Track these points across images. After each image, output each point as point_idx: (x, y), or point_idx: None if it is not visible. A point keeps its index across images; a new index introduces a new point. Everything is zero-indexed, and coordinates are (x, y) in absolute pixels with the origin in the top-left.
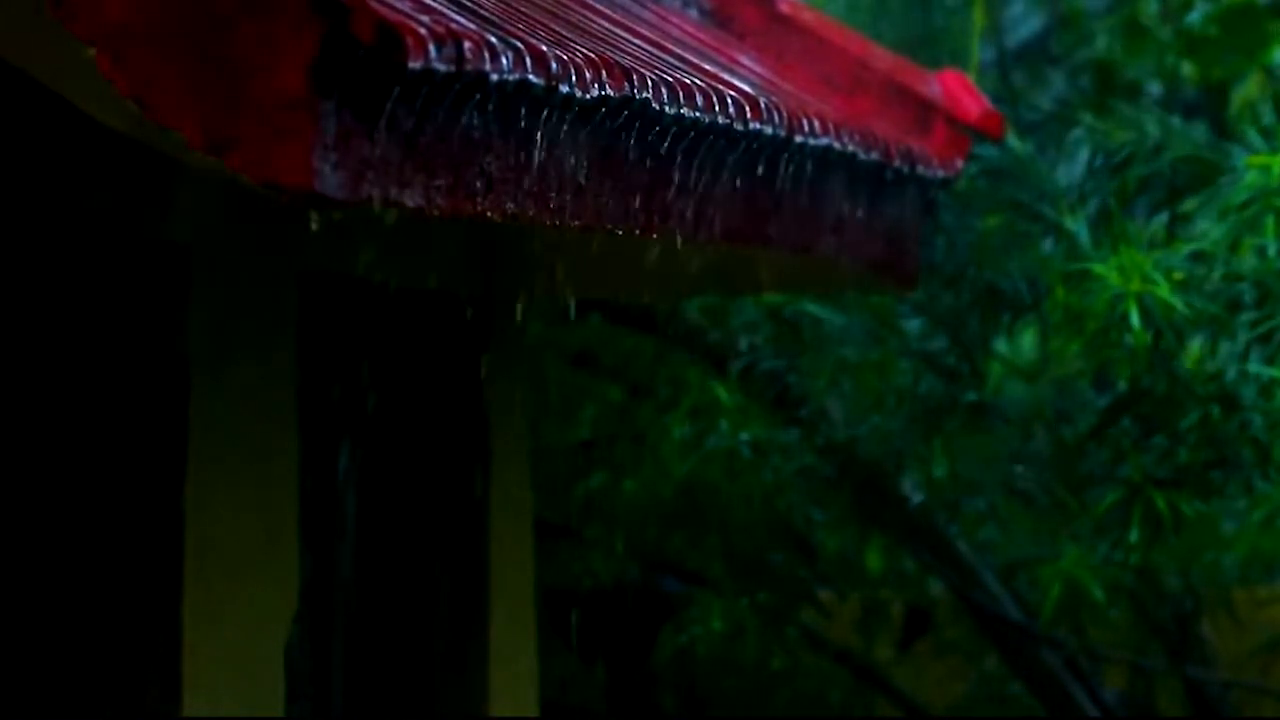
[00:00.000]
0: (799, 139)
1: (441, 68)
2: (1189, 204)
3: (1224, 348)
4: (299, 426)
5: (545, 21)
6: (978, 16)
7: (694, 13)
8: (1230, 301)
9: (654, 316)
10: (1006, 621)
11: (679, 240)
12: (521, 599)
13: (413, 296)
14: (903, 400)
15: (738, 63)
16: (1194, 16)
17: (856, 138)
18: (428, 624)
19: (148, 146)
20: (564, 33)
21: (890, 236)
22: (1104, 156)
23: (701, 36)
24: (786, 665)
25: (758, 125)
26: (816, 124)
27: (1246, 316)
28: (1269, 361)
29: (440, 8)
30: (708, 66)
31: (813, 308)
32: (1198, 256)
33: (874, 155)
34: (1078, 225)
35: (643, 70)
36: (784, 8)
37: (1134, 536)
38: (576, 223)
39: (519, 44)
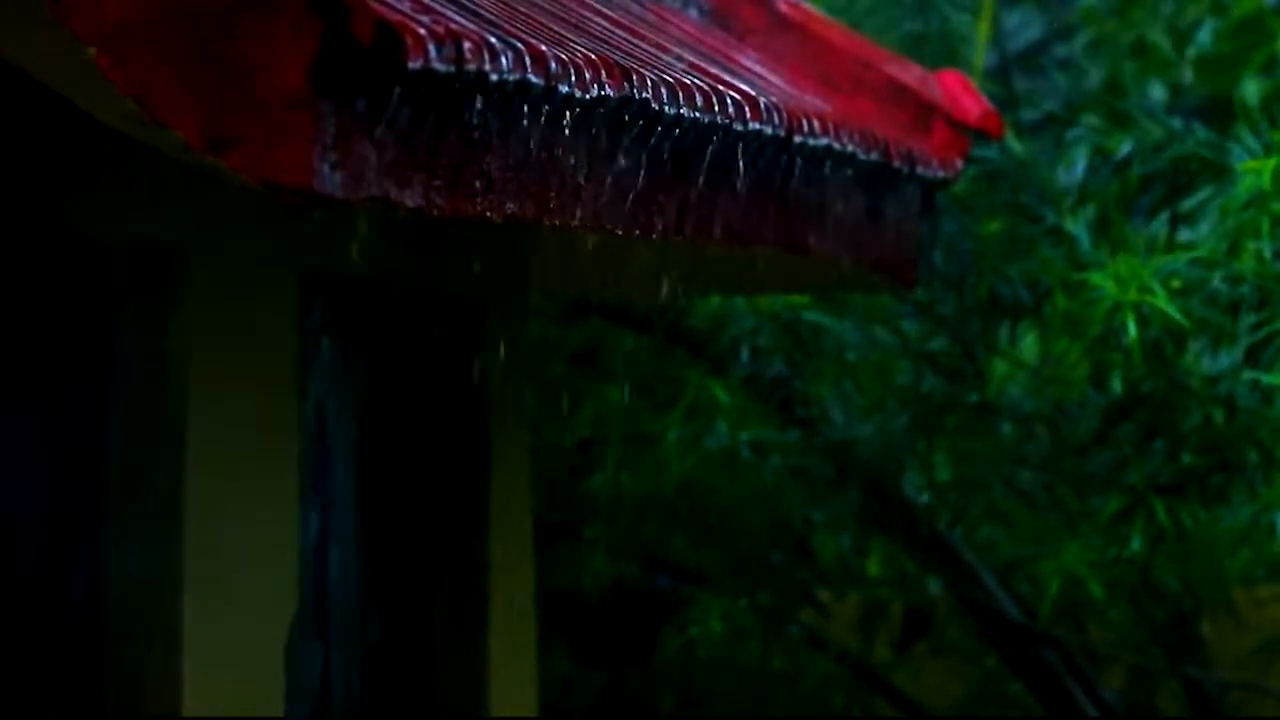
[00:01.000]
0: (799, 139)
1: (441, 67)
2: (1189, 204)
3: (1225, 352)
4: (299, 426)
5: (545, 21)
6: (983, 22)
7: (694, 13)
8: (1230, 305)
9: (654, 316)
10: (1006, 621)
11: (678, 240)
12: (521, 599)
13: (413, 296)
14: (904, 400)
15: (738, 63)
16: (1203, 33)
17: (856, 138)
18: (428, 624)
19: (147, 146)
20: (564, 32)
21: (890, 237)
22: (1104, 157)
23: (701, 36)
24: (786, 666)
25: (758, 125)
26: (816, 124)
27: (1246, 320)
28: (1269, 366)
29: (440, 7)
30: (707, 66)
31: (812, 308)
32: (1196, 261)
33: (874, 155)
34: (1078, 227)
35: (642, 70)
36: (784, 8)
37: (1136, 545)
38: (576, 223)
39: (519, 44)
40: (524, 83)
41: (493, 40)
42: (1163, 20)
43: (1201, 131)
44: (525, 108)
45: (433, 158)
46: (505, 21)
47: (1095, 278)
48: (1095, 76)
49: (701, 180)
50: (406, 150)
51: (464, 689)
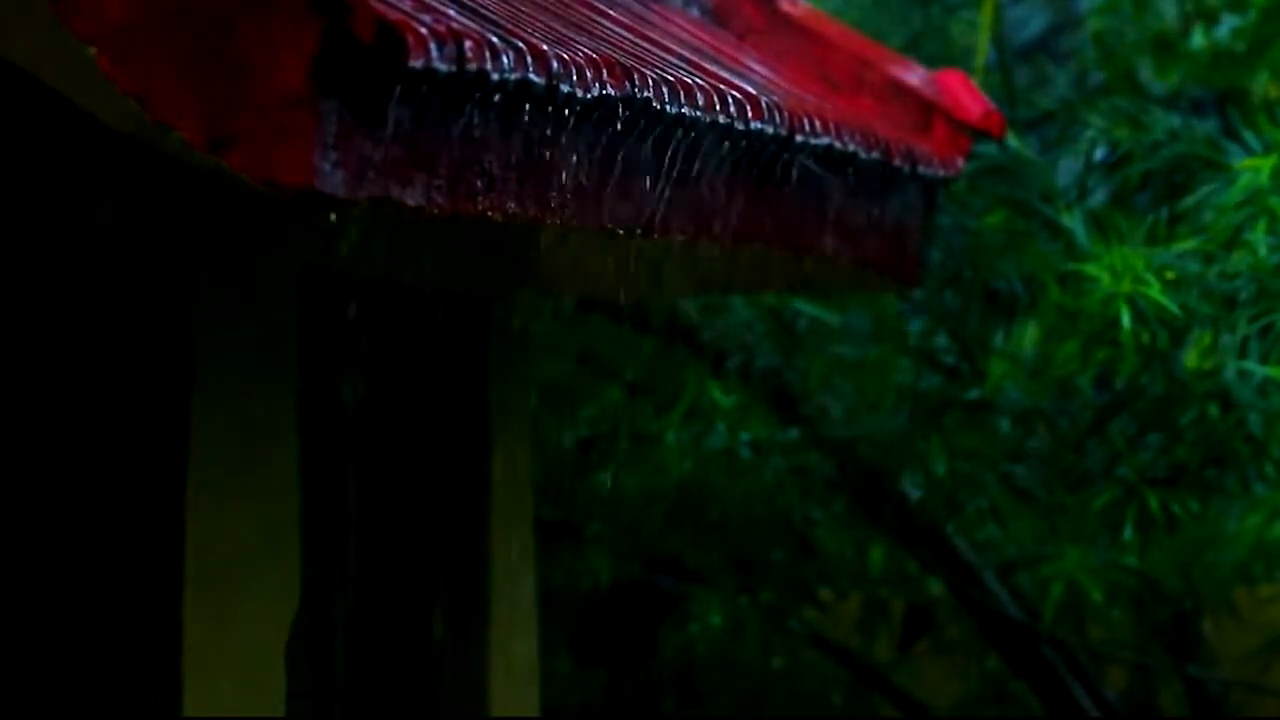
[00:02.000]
0: (800, 138)
1: (442, 67)
2: (1189, 201)
3: (1221, 345)
4: (299, 426)
5: (546, 21)
6: (986, 15)
7: (695, 12)
8: (1226, 299)
9: (654, 316)
10: (1007, 620)
11: (679, 239)
12: (521, 599)
13: (413, 295)
14: (903, 398)
15: (739, 62)
16: (1222, 30)
17: (857, 137)
18: (428, 624)
19: (149, 145)
20: (565, 32)
21: (891, 235)
22: (1105, 152)
23: (702, 36)
24: (787, 664)
25: (759, 125)
26: (817, 123)
27: (1243, 313)
28: (1265, 359)
29: (441, 7)
30: (709, 66)
31: (812, 307)
32: (1192, 254)
33: (875, 154)
34: (1075, 223)
35: (643, 69)
36: (785, 7)
37: (1128, 535)
38: (576, 222)
39: (520, 43)
40: (525, 82)
41: (494, 40)
42: (1175, 15)
43: (1202, 128)
44: (526, 107)
45: (434, 157)
46: (506, 21)
47: (1090, 269)
48: (1098, 71)
49: (702, 180)
50: (408, 149)
51: (465, 688)
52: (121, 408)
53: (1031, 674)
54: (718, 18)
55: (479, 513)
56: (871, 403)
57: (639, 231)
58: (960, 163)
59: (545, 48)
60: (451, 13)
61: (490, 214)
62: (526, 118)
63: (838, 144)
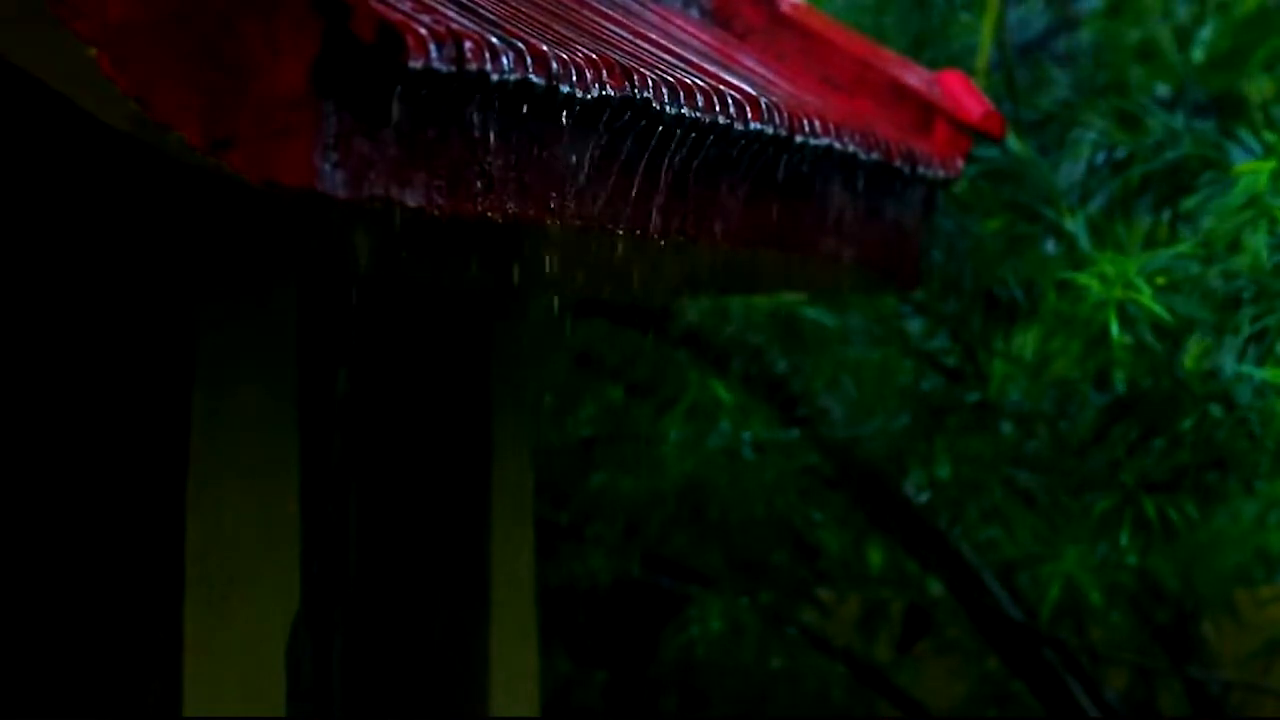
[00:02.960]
0: (799, 139)
1: (442, 67)
2: (1189, 203)
3: (1220, 348)
4: (299, 426)
5: (546, 21)
6: (989, 17)
7: (695, 12)
8: (1227, 301)
9: (654, 316)
10: (1008, 621)
11: (679, 240)
12: (521, 599)
13: (414, 295)
14: (904, 400)
15: (738, 63)
16: (1206, 32)
17: (857, 138)
18: (428, 624)
19: (148, 145)
20: (565, 33)
21: (891, 237)
22: (1106, 155)
23: (702, 36)
24: (787, 665)
25: (758, 125)
26: (817, 124)
27: (1244, 315)
28: (1263, 361)
29: (441, 7)
30: (708, 66)
31: (813, 308)
32: (1186, 257)
33: (875, 155)
34: (1077, 226)
35: (643, 70)
36: (785, 8)
37: (1124, 540)
38: (576, 223)
39: (519, 44)
40: (525, 83)
41: (494, 40)
42: (1167, 20)
43: (1202, 130)
44: (526, 108)
45: (434, 157)
46: (506, 21)
47: (1082, 277)
48: (1098, 73)
49: (702, 180)
50: (408, 150)
51: (465, 689)
52: (121, 407)
53: (1031, 675)
54: (718, 18)
55: (479, 513)
56: (873, 404)
57: (638, 232)
58: (960, 164)
59: (545, 48)
60: (451, 13)
61: (490, 214)
62: (526, 118)
63: (838, 145)
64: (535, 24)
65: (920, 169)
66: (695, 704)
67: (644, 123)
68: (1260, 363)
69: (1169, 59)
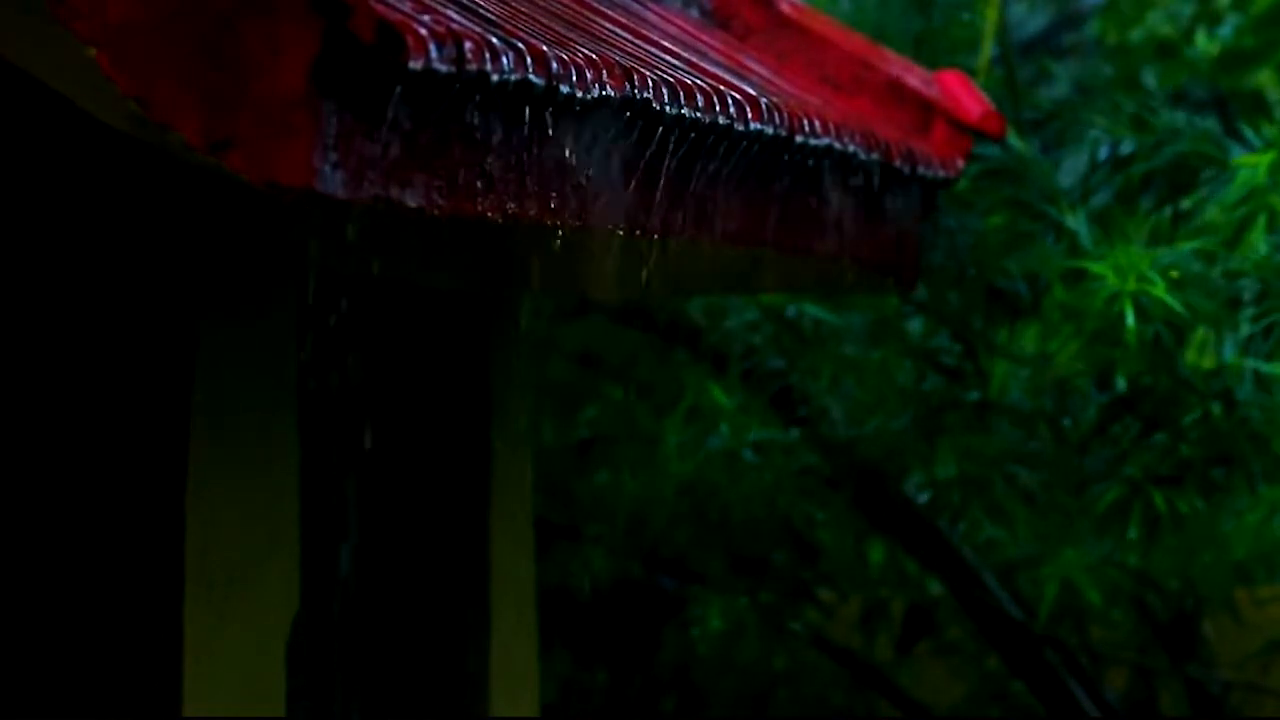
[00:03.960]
0: (799, 139)
1: (442, 68)
2: (1191, 199)
3: (1224, 344)
4: (299, 426)
5: (546, 21)
6: (990, 14)
7: (695, 13)
8: (1230, 297)
9: (654, 316)
10: (1008, 621)
11: (679, 240)
12: (521, 599)
13: (414, 295)
14: (904, 400)
15: (738, 63)
16: (1225, 30)
17: (857, 138)
18: (428, 624)
19: (148, 145)
20: (565, 33)
21: (891, 237)
22: (1108, 152)
23: (702, 37)
24: (787, 665)
25: (758, 125)
26: (817, 124)
27: (1247, 312)
28: (1268, 357)
29: (441, 7)
30: (708, 67)
31: (813, 307)
32: (1196, 253)
33: (875, 155)
34: (1079, 223)
35: (643, 70)
36: (785, 8)
37: (1133, 534)
38: (576, 223)
39: (520, 44)
40: (525, 83)
41: (494, 40)
42: (1180, 16)
43: (1205, 126)
44: (526, 108)
45: (434, 158)
46: (506, 22)
47: (1095, 267)
48: (1102, 69)
49: (702, 180)
50: (407, 150)
51: (465, 689)
52: (122, 408)
53: (1032, 675)
54: (717, 18)
55: (479, 513)
56: (873, 404)
57: (638, 232)
58: (960, 164)
59: (545, 48)
60: (451, 13)
61: (490, 214)
62: (526, 118)
63: (837, 145)
64: (535, 24)
65: (920, 169)
66: (695, 704)
67: (644, 123)
68: (1267, 358)
69: (1183, 55)
